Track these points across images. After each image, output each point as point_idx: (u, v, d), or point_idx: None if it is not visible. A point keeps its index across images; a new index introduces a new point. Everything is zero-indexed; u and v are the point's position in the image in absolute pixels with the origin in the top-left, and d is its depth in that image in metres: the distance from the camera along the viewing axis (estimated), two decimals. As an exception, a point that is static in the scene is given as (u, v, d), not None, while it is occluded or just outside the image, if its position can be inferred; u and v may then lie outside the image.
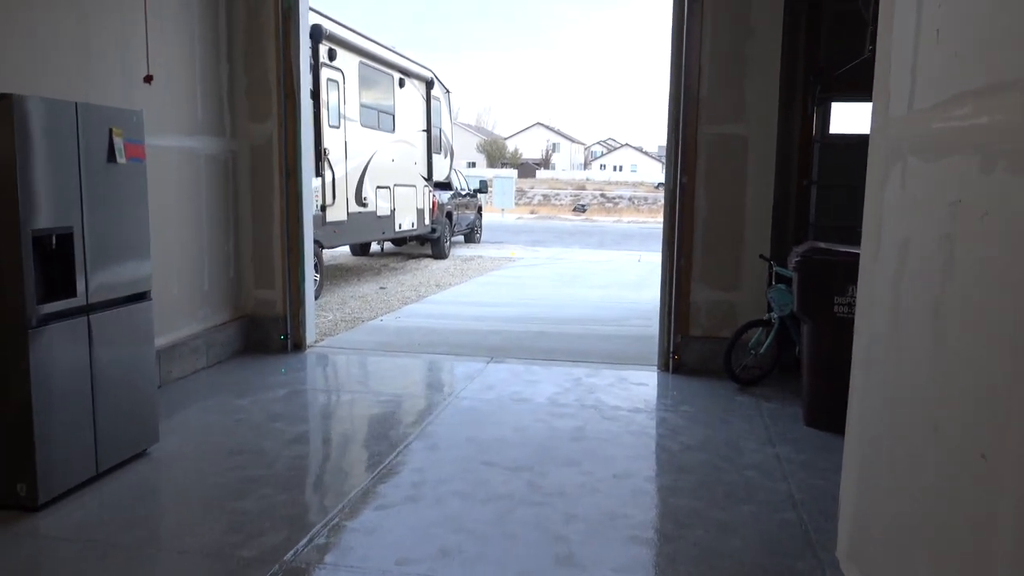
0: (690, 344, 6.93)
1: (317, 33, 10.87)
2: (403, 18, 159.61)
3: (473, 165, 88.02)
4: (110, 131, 4.37)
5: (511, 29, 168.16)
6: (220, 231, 7.20)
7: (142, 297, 4.73)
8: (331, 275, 14.30)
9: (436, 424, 5.51)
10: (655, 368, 7.06)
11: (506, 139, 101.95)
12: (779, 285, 6.38)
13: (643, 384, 6.66)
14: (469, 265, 16.39)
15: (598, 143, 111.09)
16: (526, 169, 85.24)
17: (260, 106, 7.35)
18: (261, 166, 7.43)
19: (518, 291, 12.40)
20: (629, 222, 37.73)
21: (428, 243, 17.48)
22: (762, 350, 6.51)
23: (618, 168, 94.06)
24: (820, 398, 5.51)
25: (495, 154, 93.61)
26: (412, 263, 16.71)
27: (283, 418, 5.59)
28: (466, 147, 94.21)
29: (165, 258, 6.39)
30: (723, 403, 6.10)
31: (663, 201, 7.14)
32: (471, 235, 21.39)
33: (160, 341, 6.32)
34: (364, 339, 8.33)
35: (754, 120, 6.65)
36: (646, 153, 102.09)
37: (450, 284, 13.23)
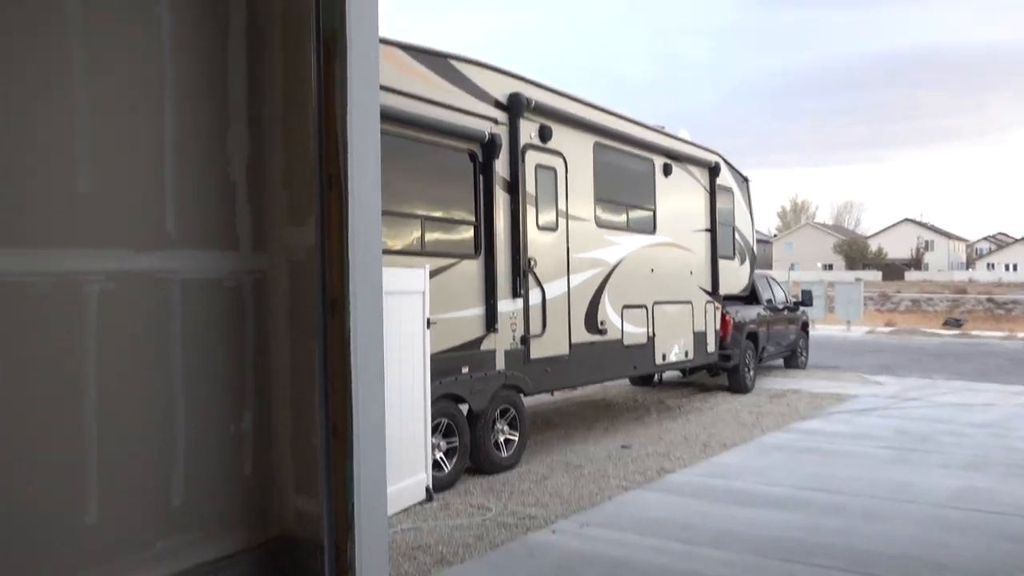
0: None
1: (517, 104, 8.03)
2: (755, 126, 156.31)
3: (829, 268, 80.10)
4: None
5: (870, 123, 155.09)
6: (222, 400, 4.36)
7: None
8: (579, 416, 11.05)
9: None
10: None
11: (868, 238, 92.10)
12: None
13: None
14: (773, 407, 12.08)
15: (984, 239, 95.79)
16: (892, 270, 75.45)
17: (299, 199, 4.52)
18: (303, 293, 4.55)
19: (818, 469, 7.99)
20: (1026, 338, 29.30)
21: (724, 371, 13.56)
22: None
23: (1011, 267, 79.66)
24: None
25: (854, 254, 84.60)
26: (699, 399, 12.86)
27: None
28: (822, 248, 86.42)
29: (72, 459, 3.66)
30: None
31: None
32: (792, 359, 16.83)
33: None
34: (483, 582, 4.89)
35: None
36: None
37: (725, 445, 9.20)
